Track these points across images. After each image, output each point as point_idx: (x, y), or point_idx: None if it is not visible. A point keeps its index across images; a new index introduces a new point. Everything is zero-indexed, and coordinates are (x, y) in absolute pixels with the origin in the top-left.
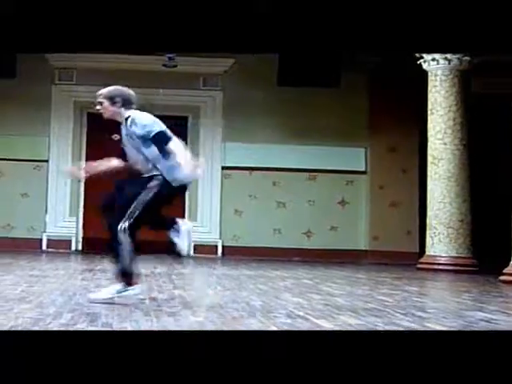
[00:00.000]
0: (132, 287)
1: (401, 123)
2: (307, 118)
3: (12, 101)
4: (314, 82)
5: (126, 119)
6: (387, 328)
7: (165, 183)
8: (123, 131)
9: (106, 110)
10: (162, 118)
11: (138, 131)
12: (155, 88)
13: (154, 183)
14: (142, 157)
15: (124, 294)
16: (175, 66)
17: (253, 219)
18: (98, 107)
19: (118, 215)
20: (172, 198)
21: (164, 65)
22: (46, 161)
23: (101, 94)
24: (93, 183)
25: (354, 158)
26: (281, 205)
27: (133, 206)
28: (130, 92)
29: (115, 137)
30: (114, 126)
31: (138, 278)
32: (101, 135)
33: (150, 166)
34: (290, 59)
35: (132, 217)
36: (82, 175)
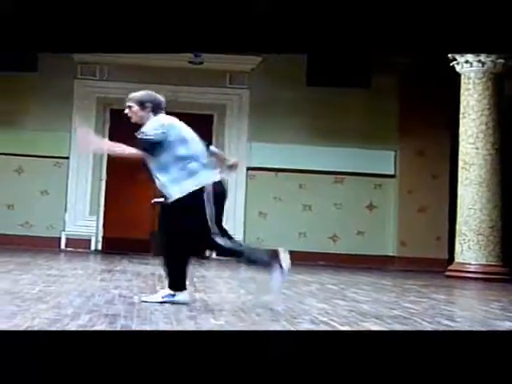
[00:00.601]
0: (179, 293)
1: (431, 126)
2: (336, 119)
3: (33, 95)
4: (343, 82)
5: None
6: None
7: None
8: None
9: (135, 114)
10: (186, 115)
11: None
12: (181, 85)
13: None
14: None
15: (173, 299)
16: (201, 63)
17: (277, 222)
18: (126, 111)
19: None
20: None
21: (190, 61)
22: (67, 157)
23: (131, 98)
24: (114, 182)
25: (383, 161)
26: (306, 208)
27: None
28: (161, 97)
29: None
30: (138, 124)
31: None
32: (124, 133)
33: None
34: (319, 58)
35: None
36: (100, 147)
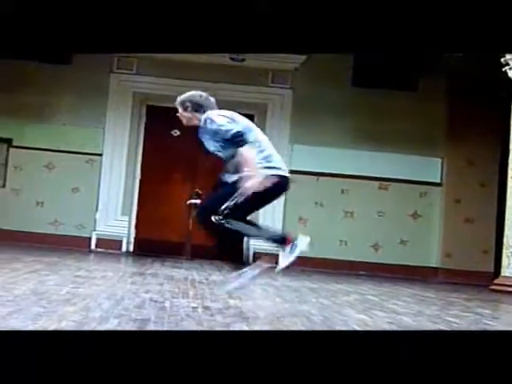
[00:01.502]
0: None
1: (481, 133)
2: (381, 123)
3: (67, 88)
4: (391, 84)
5: (204, 121)
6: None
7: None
8: (200, 134)
9: (181, 116)
10: None
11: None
12: (221, 82)
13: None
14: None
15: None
16: (243, 60)
17: (318, 228)
18: (179, 117)
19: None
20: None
21: (231, 58)
22: (100, 154)
23: (176, 104)
24: (148, 181)
25: (429, 168)
26: (348, 214)
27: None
28: (203, 95)
29: (175, 132)
30: (175, 121)
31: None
32: (160, 130)
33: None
34: (366, 59)
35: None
36: None
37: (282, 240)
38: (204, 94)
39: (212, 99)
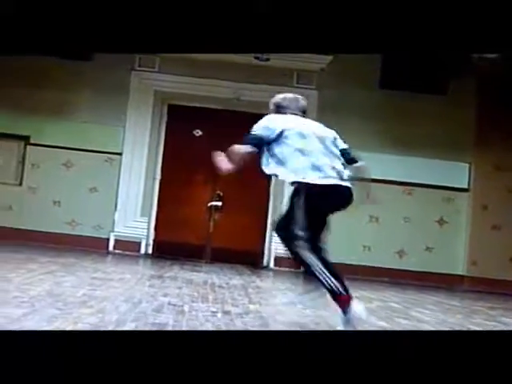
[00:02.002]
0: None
1: (510, 139)
2: (408, 126)
3: (86, 85)
4: (419, 86)
5: None
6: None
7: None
8: None
9: None
10: (249, 115)
11: None
12: (244, 82)
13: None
14: None
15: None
16: (268, 60)
17: (341, 233)
18: None
19: None
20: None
21: (256, 57)
22: (120, 154)
23: None
24: (169, 182)
25: (456, 173)
26: (373, 219)
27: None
28: (288, 97)
29: (197, 132)
30: (197, 121)
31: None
32: (181, 129)
33: None
34: (394, 60)
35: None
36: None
37: (336, 297)
38: (292, 95)
39: (299, 103)
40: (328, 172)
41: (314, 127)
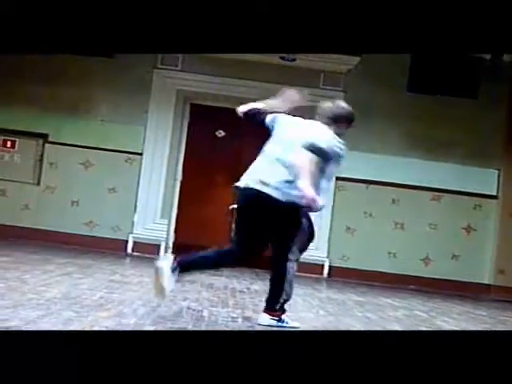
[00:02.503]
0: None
1: None
2: (436, 130)
3: (107, 83)
4: (449, 90)
5: None
6: None
7: None
8: None
9: None
10: None
11: None
12: (269, 82)
13: None
14: None
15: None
16: (294, 60)
17: (366, 239)
18: None
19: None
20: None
21: (282, 57)
22: (140, 154)
23: None
24: (190, 183)
25: (485, 179)
26: (398, 226)
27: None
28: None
29: (219, 133)
30: (220, 121)
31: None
32: (204, 130)
33: None
34: (423, 63)
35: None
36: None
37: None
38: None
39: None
40: (252, 176)
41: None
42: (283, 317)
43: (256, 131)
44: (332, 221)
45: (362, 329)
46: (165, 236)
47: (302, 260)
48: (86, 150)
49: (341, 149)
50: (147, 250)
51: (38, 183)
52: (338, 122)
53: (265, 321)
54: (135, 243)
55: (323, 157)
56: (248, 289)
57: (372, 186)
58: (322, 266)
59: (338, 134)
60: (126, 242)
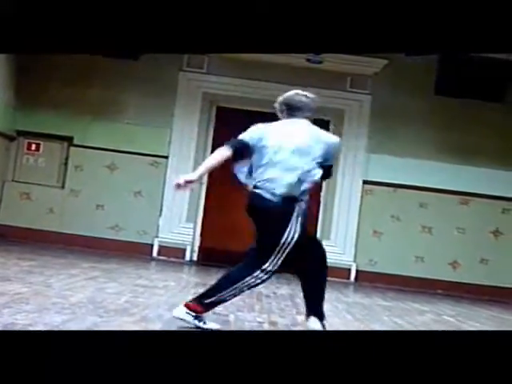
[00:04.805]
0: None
1: None
2: (464, 134)
3: (133, 85)
4: (476, 94)
5: None
6: None
7: None
8: None
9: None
10: None
11: None
12: (296, 85)
13: None
14: None
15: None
16: (320, 63)
17: (393, 243)
18: None
19: None
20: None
21: (308, 59)
22: (166, 157)
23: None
24: (216, 187)
25: None
26: (426, 230)
27: None
28: (300, 99)
29: None
30: (246, 124)
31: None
32: (230, 133)
33: None
34: (450, 66)
35: None
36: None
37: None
38: (302, 93)
39: (307, 100)
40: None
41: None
42: (204, 315)
43: None
44: (359, 225)
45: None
46: (191, 240)
47: (328, 264)
48: (111, 153)
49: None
50: (173, 254)
51: (63, 186)
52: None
53: (179, 313)
54: (161, 247)
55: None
56: (274, 293)
57: (399, 189)
58: (349, 270)
59: None
60: (152, 246)
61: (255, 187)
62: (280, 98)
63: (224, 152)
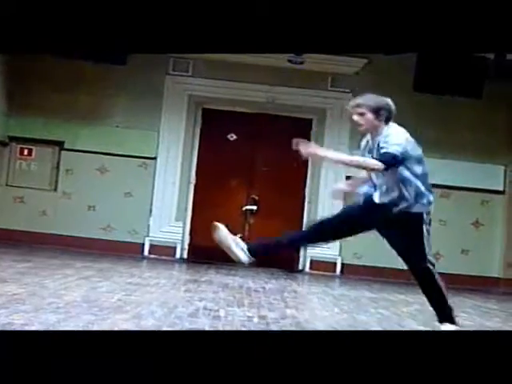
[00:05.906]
0: None
1: None
2: (443, 129)
3: (121, 90)
4: (454, 90)
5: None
6: None
7: None
8: (370, 145)
9: (368, 123)
10: (284, 118)
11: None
12: (278, 86)
13: None
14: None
15: None
16: (302, 63)
17: (377, 236)
18: (356, 118)
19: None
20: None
21: (289, 60)
22: (154, 158)
23: (364, 104)
24: (203, 186)
25: (492, 175)
26: None
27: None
28: (393, 105)
29: (231, 136)
30: (231, 125)
31: None
32: (216, 133)
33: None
34: (429, 62)
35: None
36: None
37: None
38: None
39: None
40: None
41: None
42: None
43: (267, 135)
44: None
45: (376, 325)
46: (180, 238)
47: (314, 258)
48: (101, 156)
49: None
50: (163, 253)
51: (55, 189)
52: None
53: None
54: (151, 246)
55: None
56: (263, 288)
57: None
58: (335, 263)
59: None
60: (143, 245)
61: None
62: (382, 103)
63: None
